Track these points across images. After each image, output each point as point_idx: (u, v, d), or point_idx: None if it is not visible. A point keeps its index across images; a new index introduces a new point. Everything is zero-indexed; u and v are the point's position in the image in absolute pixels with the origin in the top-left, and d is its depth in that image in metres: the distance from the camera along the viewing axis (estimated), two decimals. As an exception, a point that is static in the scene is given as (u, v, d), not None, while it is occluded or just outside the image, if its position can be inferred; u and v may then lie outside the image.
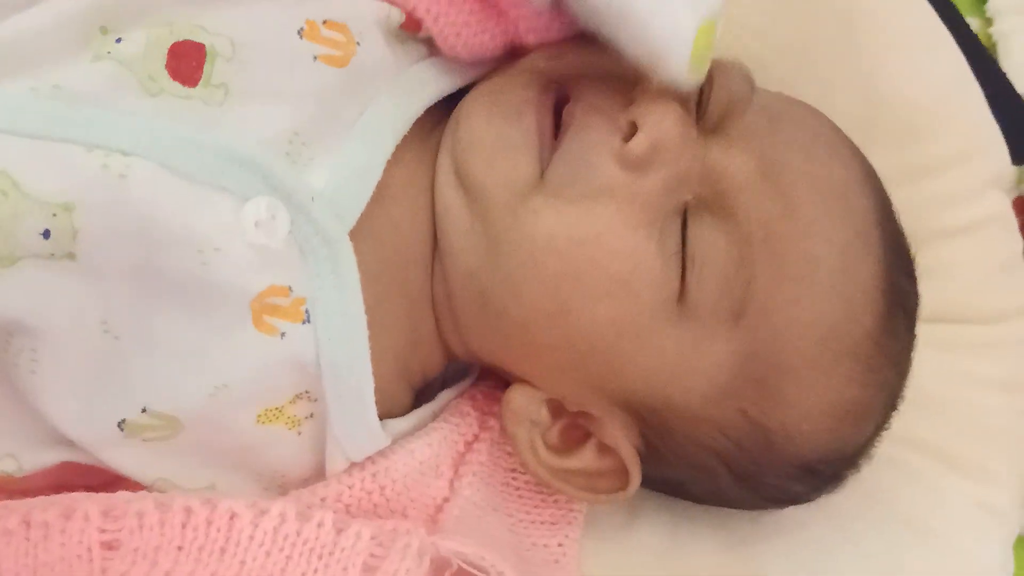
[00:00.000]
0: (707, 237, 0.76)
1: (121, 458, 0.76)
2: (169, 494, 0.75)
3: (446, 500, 0.83)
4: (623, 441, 0.81)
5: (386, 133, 0.79)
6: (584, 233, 0.76)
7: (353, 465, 0.80)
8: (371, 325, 0.76)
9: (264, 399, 0.76)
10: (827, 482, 0.86)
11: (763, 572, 0.90)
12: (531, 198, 0.77)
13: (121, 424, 0.74)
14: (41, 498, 0.74)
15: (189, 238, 0.71)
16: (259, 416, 0.76)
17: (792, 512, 0.89)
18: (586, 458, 0.82)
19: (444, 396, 0.87)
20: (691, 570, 0.90)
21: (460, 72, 0.85)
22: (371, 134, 0.78)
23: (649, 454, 0.82)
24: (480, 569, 0.76)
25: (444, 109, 0.84)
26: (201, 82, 0.73)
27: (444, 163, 0.81)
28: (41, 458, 0.76)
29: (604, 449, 0.82)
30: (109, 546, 0.72)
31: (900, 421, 0.87)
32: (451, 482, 0.84)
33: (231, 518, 0.73)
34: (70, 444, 0.75)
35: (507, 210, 0.77)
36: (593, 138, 0.77)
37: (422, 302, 0.83)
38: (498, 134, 0.78)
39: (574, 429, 0.83)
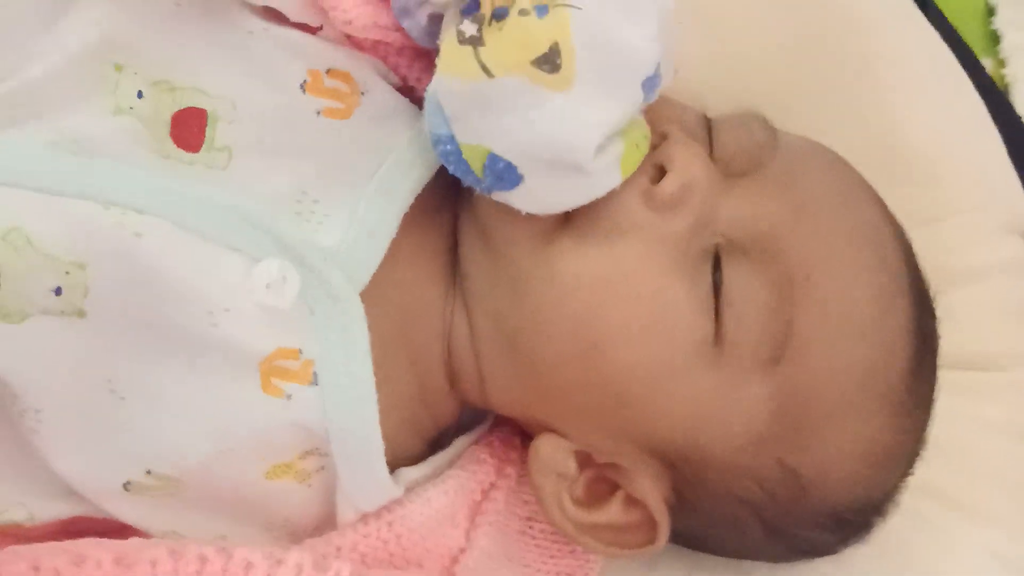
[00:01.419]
0: (744, 278, 0.75)
1: (130, 512, 0.75)
2: (182, 541, 0.73)
3: (462, 551, 0.82)
4: (653, 493, 0.79)
5: (403, 189, 0.78)
6: (611, 273, 0.75)
7: (369, 514, 0.79)
8: (377, 384, 0.75)
9: (271, 457, 0.75)
10: (856, 531, 0.84)
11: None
12: (557, 239, 0.76)
13: (127, 485, 0.73)
14: (51, 544, 0.72)
15: (200, 297, 0.71)
16: (267, 473, 0.75)
17: (812, 566, 0.88)
18: (613, 512, 0.80)
19: (460, 443, 0.86)
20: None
21: None
22: (387, 189, 0.78)
23: (679, 505, 0.81)
24: None
25: None
26: (204, 147, 0.73)
27: (466, 211, 0.80)
28: (52, 509, 0.75)
29: (631, 502, 0.80)
30: None
31: (918, 469, 0.86)
32: (467, 532, 0.82)
33: (247, 567, 0.72)
34: (81, 497, 0.74)
35: (532, 252, 0.76)
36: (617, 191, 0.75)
37: (430, 357, 0.82)
38: None
39: (601, 482, 0.81)
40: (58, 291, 0.69)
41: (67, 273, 0.69)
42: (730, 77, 0.96)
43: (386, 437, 0.76)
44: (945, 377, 0.88)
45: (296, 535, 0.79)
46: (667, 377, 0.75)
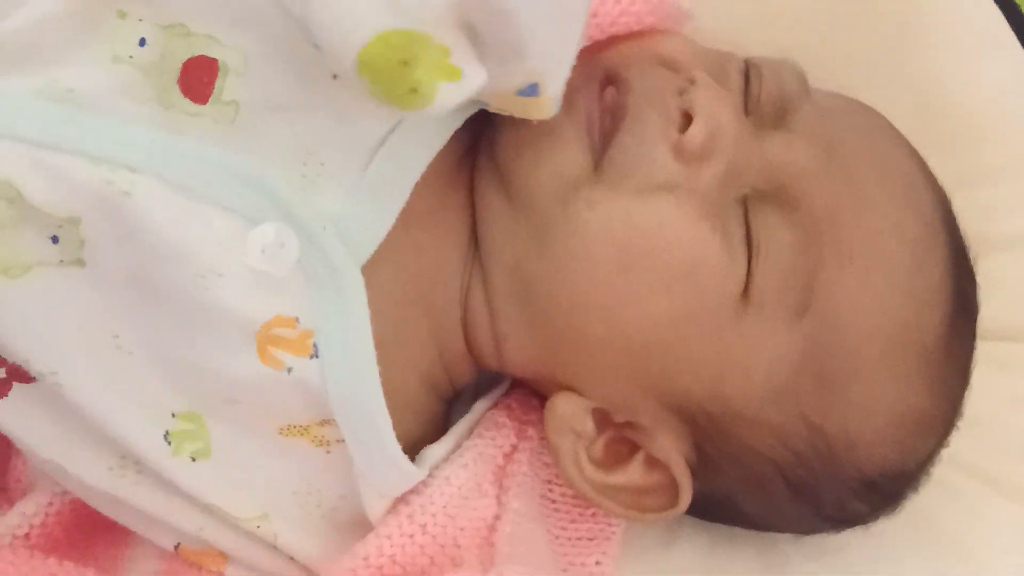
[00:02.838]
0: (771, 226, 0.74)
1: (180, 478, 0.73)
2: None
3: (497, 518, 0.79)
4: (674, 453, 0.78)
5: (418, 153, 0.75)
6: (645, 223, 0.73)
7: (388, 513, 0.77)
8: (392, 347, 0.73)
9: (281, 417, 0.73)
10: (887, 501, 0.82)
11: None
12: (585, 190, 0.74)
13: (167, 436, 0.72)
14: None
15: (191, 260, 0.68)
16: (281, 429, 0.74)
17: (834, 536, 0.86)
18: (633, 473, 0.79)
19: (479, 407, 0.84)
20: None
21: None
22: (399, 155, 0.74)
23: (701, 466, 0.79)
24: None
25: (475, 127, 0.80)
26: (211, 99, 0.70)
27: (484, 163, 0.78)
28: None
29: (652, 463, 0.79)
30: None
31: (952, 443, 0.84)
32: (498, 498, 0.80)
33: None
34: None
35: (557, 201, 0.74)
36: (649, 131, 0.74)
37: (449, 321, 0.79)
38: (546, 125, 0.74)
39: (620, 443, 0.79)
40: (55, 239, 0.68)
41: (60, 227, 0.68)
42: (769, 30, 0.92)
43: (403, 399, 0.74)
44: (980, 348, 0.86)
45: (331, 514, 0.77)
46: (694, 327, 0.74)
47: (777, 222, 0.74)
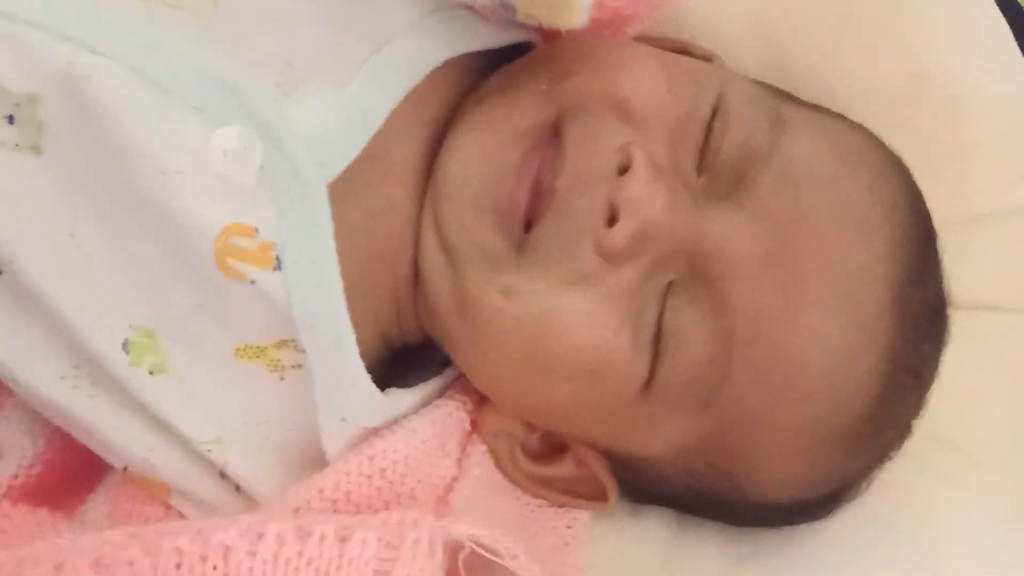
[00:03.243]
0: (686, 325, 0.73)
1: (136, 389, 0.72)
2: (157, 533, 0.70)
3: (455, 479, 0.79)
4: (595, 461, 0.81)
5: (397, 80, 0.74)
6: (554, 325, 0.73)
7: (350, 451, 0.76)
8: (353, 287, 0.72)
9: (239, 334, 0.72)
10: (813, 513, 0.84)
11: (775, 567, 0.87)
12: (504, 272, 0.74)
13: (125, 346, 0.71)
14: (31, 549, 0.70)
15: (151, 154, 0.67)
16: (237, 350, 0.72)
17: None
18: (565, 467, 0.81)
19: (451, 372, 0.83)
20: (697, 563, 0.87)
21: (492, 31, 0.80)
22: (379, 78, 0.73)
23: (625, 477, 0.81)
24: (494, 552, 0.73)
25: (468, 66, 0.80)
26: None
27: (428, 205, 0.77)
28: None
29: (582, 459, 0.81)
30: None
31: (926, 417, 0.84)
32: (459, 461, 0.80)
33: (225, 553, 0.68)
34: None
35: (480, 276, 0.74)
36: (573, 223, 0.73)
37: (399, 263, 0.78)
38: (477, 192, 0.74)
39: (555, 436, 0.81)
40: (11, 119, 0.66)
41: (18, 105, 0.65)
42: (747, 6, 0.92)
43: (361, 337, 0.73)
44: (966, 319, 0.87)
45: (281, 449, 0.76)
46: (595, 410, 0.76)
47: (694, 320, 0.73)
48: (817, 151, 0.76)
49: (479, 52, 0.80)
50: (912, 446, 0.85)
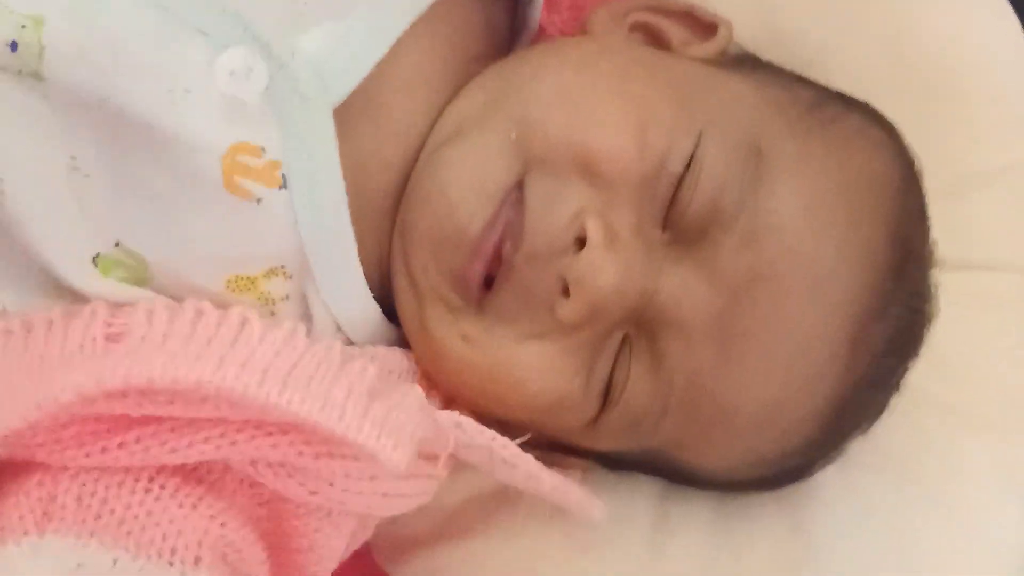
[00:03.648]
0: (632, 378, 0.76)
1: (98, 293, 0.72)
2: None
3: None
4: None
5: (401, 7, 0.76)
6: (511, 375, 0.76)
7: (348, 342, 0.78)
8: (359, 212, 0.74)
9: (234, 263, 0.73)
10: (778, 482, 0.86)
11: (762, 520, 0.88)
12: (464, 321, 0.76)
13: (95, 259, 0.72)
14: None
15: (159, 72, 0.68)
16: (228, 282, 0.74)
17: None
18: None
19: None
20: (687, 519, 0.89)
21: None
22: (382, 4, 0.75)
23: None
24: (479, 444, 0.75)
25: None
26: None
27: (396, 231, 0.79)
28: (26, 302, 0.73)
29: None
30: (114, 339, 0.70)
31: (916, 378, 0.84)
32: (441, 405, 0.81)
33: (242, 323, 0.70)
34: (56, 291, 0.73)
35: (441, 319, 0.76)
36: (530, 295, 0.74)
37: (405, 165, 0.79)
38: (437, 253, 0.75)
39: None
40: (13, 46, 0.66)
41: (23, 27, 0.66)
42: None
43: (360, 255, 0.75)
44: (959, 280, 0.88)
45: None
46: (549, 426, 0.80)
47: (639, 374, 0.76)
48: (791, 204, 0.75)
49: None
50: (905, 408, 0.86)
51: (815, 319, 0.75)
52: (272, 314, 0.75)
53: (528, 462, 0.76)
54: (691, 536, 0.88)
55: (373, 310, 0.78)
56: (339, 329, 0.78)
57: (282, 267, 0.74)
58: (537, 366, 0.75)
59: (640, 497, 0.89)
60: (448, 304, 0.76)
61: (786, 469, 0.83)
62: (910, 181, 0.82)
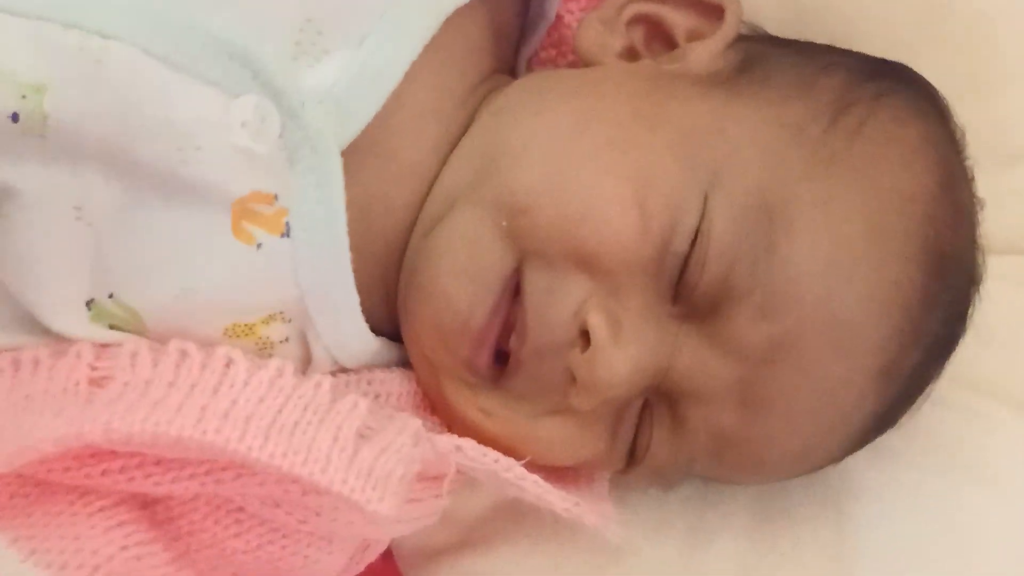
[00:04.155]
0: (655, 441, 0.76)
1: (86, 337, 0.71)
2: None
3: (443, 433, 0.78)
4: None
5: (412, 34, 0.73)
6: (533, 447, 0.74)
7: (345, 370, 0.76)
8: (364, 248, 0.72)
9: (233, 312, 0.71)
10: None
11: (805, 524, 0.85)
12: (481, 395, 0.75)
13: (89, 304, 0.70)
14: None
15: (169, 131, 0.66)
16: (227, 330, 0.72)
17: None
18: None
19: None
20: (725, 523, 0.85)
21: None
22: (395, 32, 0.72)
23: None
24: (482, 465, 0.73)
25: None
26: None
27: (401, 305, 0.77)
28: (14, 339, 0.71)
29: None
30: (98, 383, 0.68)
31: (963, 361, 0.81)
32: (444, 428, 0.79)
33: (227, 364, 0.69)
34: (41, 332, 0.71)
35: (458, 392, 0.75)
36: (542, 384, 0.73)
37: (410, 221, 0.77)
38: (442, 340, 0.73)
39: None
40: (15, 117, 0.64)
41: (24, 97, 0.64)
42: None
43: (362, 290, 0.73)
44: (1005, 264, 0.85)
45: None
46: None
47: (662, 437, 0.75)
48: (810, 267, 0.71)
49: None
50: (951, 392, 0.83)
51: (841, 372, 0.73)
52: (270, 356, 0.73)
53: (535, 484, 0.73)
54: (729, 543, 0.85)
55: (375, 345, 0.76)
56: (336, 362, 0.76)
57: (280, 313, 0.72)
58: (559, 439, 0.75)
59: (674, 501, 0.86)
60: (463, 380, 0.75)
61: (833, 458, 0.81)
62: (951, 176, 0.77)
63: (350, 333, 0.74)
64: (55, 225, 0.68)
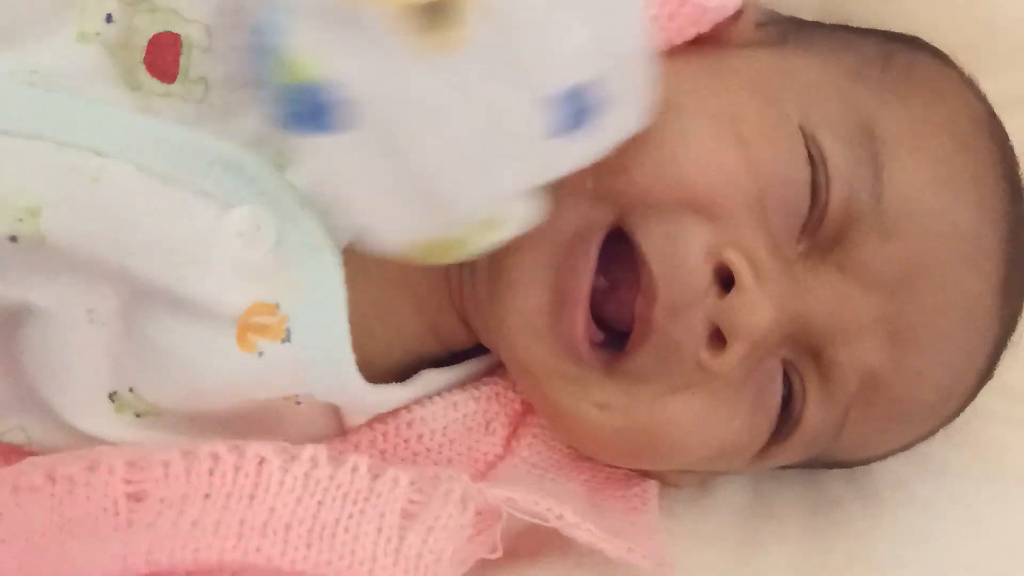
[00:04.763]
0: (801, 401, 0.73)
1: (117, 435, 0.72)
2: (195, 443, 0.70)
3: (499, 458, 0.78)
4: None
5: None
6: (663, 434, 0.72)
7: (387, 414, 0.76)
8: (373, 322, 0.73)
9: (244, 400, 0.71)
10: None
11: (859, 537, 0.83)
12: (595, 389, 0.72)
13: (112, 396, 0.71)
14: (67, 453, 0.70)
15: (166, 249, 0.67)
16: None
17: (891, 469, 0.84)
18: None
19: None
20: (776, 535, 0.84)
21: None
22: None
23: None
24: (534, 515, 0.72)
25: None
26: (179, 77, 0.68)
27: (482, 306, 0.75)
28: (51, 437, 0.73)
29: None
30: (136, 498, 0.68)
31: (1010, 372, 0.81)
32: (506, 440, 0.79)
33: (259, 463, 0.68)
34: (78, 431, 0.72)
35: (569, 392, 0.72)
36: (675, 350, 0.69)
37: (434, 299, 0.76)
38: (530, 321, 0.71)
39: None
40: (13, 239, 0.65)
41: (20, 220, 0.65)
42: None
43: (387, 368, 0.74)
44: None
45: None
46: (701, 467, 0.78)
47: (810, 395, 0.73)
48: (920, 181, 0.72)
49: None
50: (1002, 406, 0.85)
51: (975, 286, 0.73)
52: (298, 403, 0.73)
53: (589, 532, 0.72)
54: (781, 557, 0.83)
55: (398, 393, 0.76)
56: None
57: (295, 396, 0.72)
58: (691, 419, 0.71)
59: (724, 512, 0.85)
60: (568, 376, 0.72)
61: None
62: (991, 111, 0.80)
63: (367, 405, 0.74)
64: (72, 332, 0.69)
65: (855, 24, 0.85)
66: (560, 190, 0.64)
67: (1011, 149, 0.80)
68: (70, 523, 0.68)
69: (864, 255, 0.70)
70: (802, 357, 0.72)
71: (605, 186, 0.68)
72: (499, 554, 0.72)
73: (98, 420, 0.71)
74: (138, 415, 0.72)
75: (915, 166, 0.72)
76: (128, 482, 0.68)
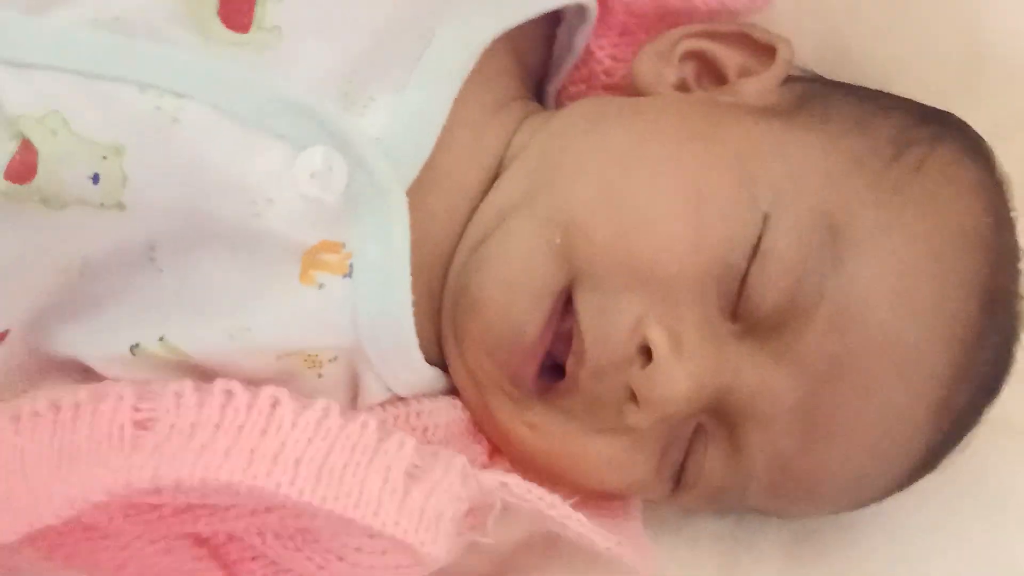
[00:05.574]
0: (707, 464, 0.76)
1: (124, 375, 0.72)
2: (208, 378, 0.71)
3: (485, 467, 0.78)
4: None
5: (451, 73, 0.74)
6: (581, 465, 0.75)
7: (395, 399, 0.77)
8: (422, 283, 0.73)
9: (285, 347, 0.72)
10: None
11: (839, 565, 0.85)
12: (528, 411, 0.75)
13: (134, 348, 0.71)
14: (74, 384, 0.71)
15: (242, 187, 0.68)
16: (279, 355, 0.72)
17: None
18: None
19: None
20: (758, 563, 0.85)
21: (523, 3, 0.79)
22: (434, 74, 0.73)
23: None
24: (527, 501, 0.72)
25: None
26: (253, 27, 0.69)
27: (447, 320, 0.78)
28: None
29: None
30: (143, 425, 0.68)
31: (1000, 402, 0.80)
32: (491, 452, 0.79)
33: (273, 405, 0.68)
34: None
35: (505, 407, 0.76)
36: (598, 403, 0.73)
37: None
38: (489, 347, 0.74)
39: None
40: (95, 178, 0.66)
41: (104, 158, 0.66)
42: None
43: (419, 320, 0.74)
44: None
45: None
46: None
47: (715, 460, 0.75)
48: (876, 288, 0.72)
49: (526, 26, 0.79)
50: (995, 435, 0.82)
51: (901, 399, 0.73)
52: (319, 376, 0.74)
53: (579, 522, 0.73)
54: None
55: (430, 375, 0.77)
56: (389, 389, 0.76)
57: (335, 354, 0.73)
58: (606, 458, 0.74)
59: (706, 540, 0.86)
60: (509, 395, 0.75)
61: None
62: (1002, 219, 0.78)
63: (406, 366, 0.75)
64: (133, 271, 0.70)
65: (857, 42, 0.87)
66: (533, 237, 0.72)
67: (1008, 261, 0.78)
68: (71, 448, 0.68)
69: (801, 345, 0.71)
70: (719, 427, 0.74)
71: (568, 243, 0.72)
72: (490, 540, 0.73)
73: (112, 364, 0.72)
74: (154, 365, 0.72)
75: (877, 272, 0.72)
76: (137, 410, 0.68)
